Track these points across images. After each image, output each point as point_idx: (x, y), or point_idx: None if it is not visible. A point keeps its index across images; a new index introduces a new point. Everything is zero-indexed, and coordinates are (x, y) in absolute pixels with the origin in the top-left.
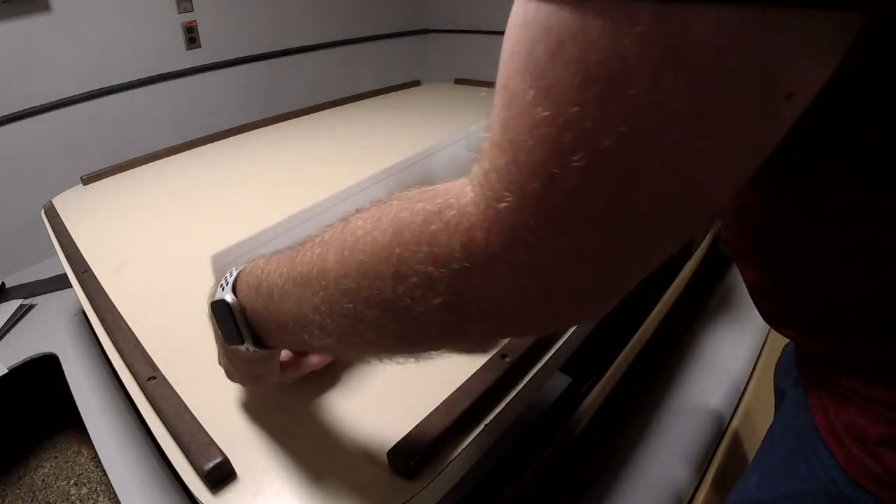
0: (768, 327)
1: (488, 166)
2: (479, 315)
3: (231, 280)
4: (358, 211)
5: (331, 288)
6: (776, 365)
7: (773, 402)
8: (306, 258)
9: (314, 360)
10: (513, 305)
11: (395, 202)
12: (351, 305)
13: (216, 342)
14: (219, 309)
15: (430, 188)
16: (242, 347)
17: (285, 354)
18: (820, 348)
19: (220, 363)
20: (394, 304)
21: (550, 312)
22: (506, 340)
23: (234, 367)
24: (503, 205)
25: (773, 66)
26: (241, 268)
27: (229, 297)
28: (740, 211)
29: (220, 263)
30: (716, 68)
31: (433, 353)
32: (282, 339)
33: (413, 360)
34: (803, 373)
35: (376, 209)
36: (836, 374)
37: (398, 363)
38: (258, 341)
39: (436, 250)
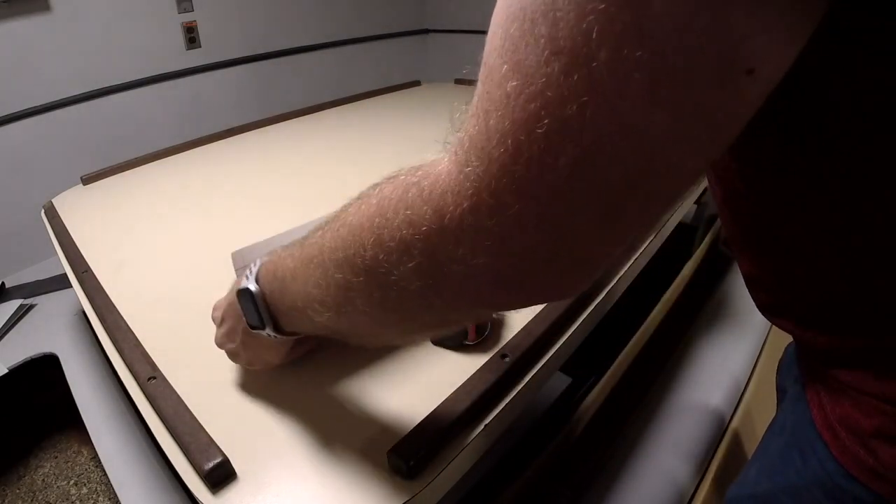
0: (768, 327)
1: (463, 135)
2: (451, 280)
3: (255, 270)
4: (358, 196)
5: (326, 262)
6: (779, 364)
7: (775, 400)
8: (312, 240)
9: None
10: (481, 270)
11: (385, 181)
12: (340, 275)
13: (225, 324)
14: (243, 296)
15: (417, 164)
16: (264, 333)
17: None
18: (815, 339)
19: (223, 346)
20: (374, 269)
21: (517, 280)
22: (486, 316)
23: (245, 349)
24: (469, 168)
25: (730, 41)
26: (264, 259)
27: (252, 286)
28: (733, 203)
29: (239, 259)
30: (674, 42)
31: (421, 327)
32: (294, 320)
33: (409, 339)
34: (801, 368)
35: (371, 188)
36: (831, 367)
37: (398, 345)
38: (277, 327)
39: (410, 214)
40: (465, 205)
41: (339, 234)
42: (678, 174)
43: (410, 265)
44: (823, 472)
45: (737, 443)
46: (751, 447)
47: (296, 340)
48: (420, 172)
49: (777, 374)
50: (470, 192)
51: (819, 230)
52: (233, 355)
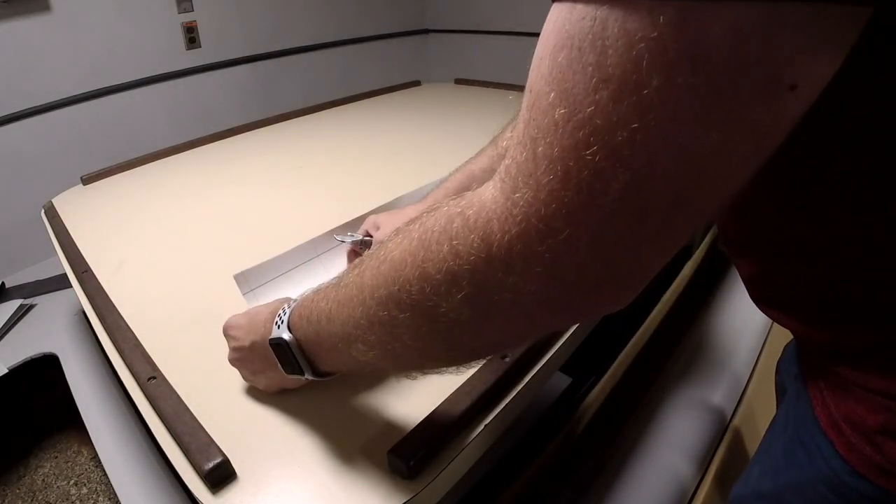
0: (768, 327)
1: (509, 162)
2: (502, 308)
3: (286, 318)
4: (396, 232)
5: (367, 300)
6: (778, 363)
7: (775, 399)
8: (349, 280)
9: None
10: (532, 296)
11: (426, 213)
12: (385, 313)
13: (241, 352)
14: (278, 347)
15: (460, 195)
16: (303, 378)
17: None
18: (819, 336)
19: (237, 368)
20: (422, 303)
21: (569, 302)
22: (536, 337)
23: (266, 378)
24: (518, 195)
25: (779, 60)
26: (293, 304)
27: (286, 335)
28: (741, 203)
29: (243, 282)
30: (726, 65)
31: (469, 354)
32: (334, 362)
33: (454, 365)
34: (803, 366)
35: (410, 224)
36: (835, 364)
37: (442, 373)
38: (315, 370)
39: (457, 245)
40: (513, 231)
41: (381, 270)
42: (724, 187)
43: (459, 296)
44: (829, 469)
45: (738, 442)
46: (752, 446)
47: None
48: (464, 202)
49: (776, 373)
50: (518, 218)
51: (829, 227)
52: (248, 379)
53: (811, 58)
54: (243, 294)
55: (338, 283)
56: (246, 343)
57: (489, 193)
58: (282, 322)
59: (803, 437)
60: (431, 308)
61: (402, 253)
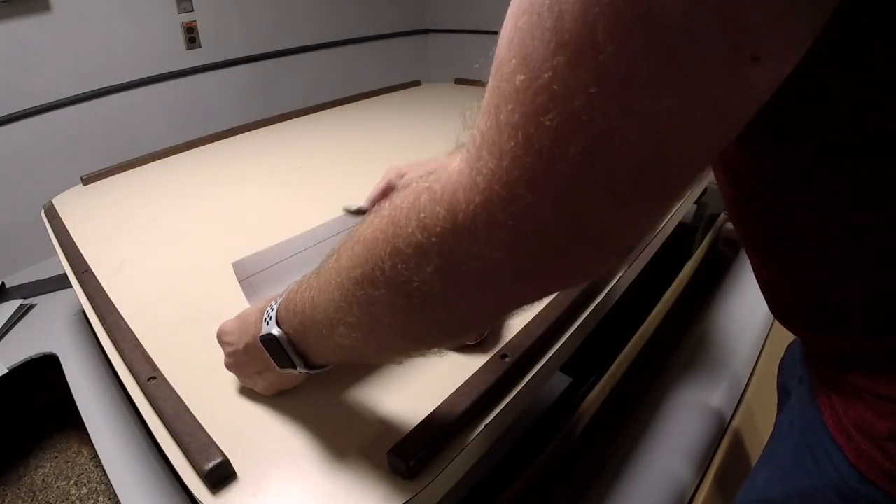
0: (769, 327)
1: (475, 132)
2: (471, 279)
3: (273, 313)
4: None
5: (345, 282)
6: (780, 364)
7: (776, 400)
8: (328, 266)
9: None
10: (499, 264)
11: (396, 192)
12: (362, 292)
13: (236, 357)
14: (268, 343)
15: (429, 171)
16: (296, 372)
17: None
18: (829, 342)
19: (237, 375)
20: (395, 279)
21: (536, 270)
22: (511, 311)
23: (262, 380)
24: (482, 163)
25: (736, 27)
26: (280, 299)
27: (275, 331)
28: (747, 204)
29: (240, 270)
30: (681, 31)
31: (447, 331)
32: (322, 351)
33: (436, 348)
34: (811, 371)
35: (381, 203)
36: (844, 371)
37: (427, 356)
38: (308, 363)
39: (424, 218)
40: (477, 200)
41: (355, 251)
42: (687, 161)
43: (430, 269)
44: (838, 475)
45: (738, 443)
46: (752, 447)
47: None
48: (432, 177)
49: (779, 373)
50: (482, 186)
51: (836, 229)
52: (246, 382)
53: (773, 27)
54: (239, 281)
55: (318, 270)
56: (240, 347)
57: (455, 166)
58: (270, 318)
59: (811, 443)
60: (404, 283)
61: (374, 231)
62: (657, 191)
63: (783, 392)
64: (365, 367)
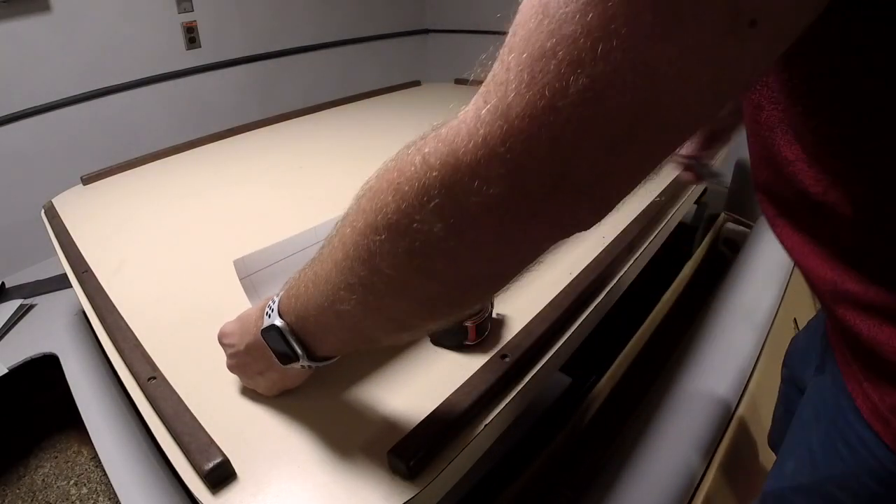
0: (769, 327)
1: (487, 79)
2: (469, 219)
3: (275, 306)
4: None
5: (348, 237)
6: (786, 356)
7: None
8: (332, 235)
9: None
10: (497, 203)
11: (403, 148)
12: (364, 241)
13: (237, 358)
14: (270, 335)
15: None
16: (298, 365)
17: None
18: (881, 297)
19: (239, 377)
20: (397, 222)
21: (532, 211)
22: (512, 271)
23: (264, 380)
24: (488, 103)
25: None
26: (280, 294)
27: (278, 321)
28: (814, 97)
29: (241, 267)
30: None
31: (446, 289)
32: (323, 331)
33: (434, 320)
34: (839, 358)
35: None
36: (879, 357)
37: (422, 330)
38: (310, 354)
39: (428, 156)
40: (479, 133)
41: (361, 205)
42: (683, 113)
43: (431, 206)
44: (874, 459)
45: (738, 443)
46: (751, 449)
47: None
48: (440, 126)
49: (784, 366)
50: (486, 120)
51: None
52: (248, 384)
53: None
54: (241, 279)
55: (321, 246)
56: (241, 347)
57: (462, 114)
58: (272, 311)
59: (842, 430)
60: (406, 225)
61: (380, 181)
62: (650, 141)
63: (789, 384)
64: (366, 354)
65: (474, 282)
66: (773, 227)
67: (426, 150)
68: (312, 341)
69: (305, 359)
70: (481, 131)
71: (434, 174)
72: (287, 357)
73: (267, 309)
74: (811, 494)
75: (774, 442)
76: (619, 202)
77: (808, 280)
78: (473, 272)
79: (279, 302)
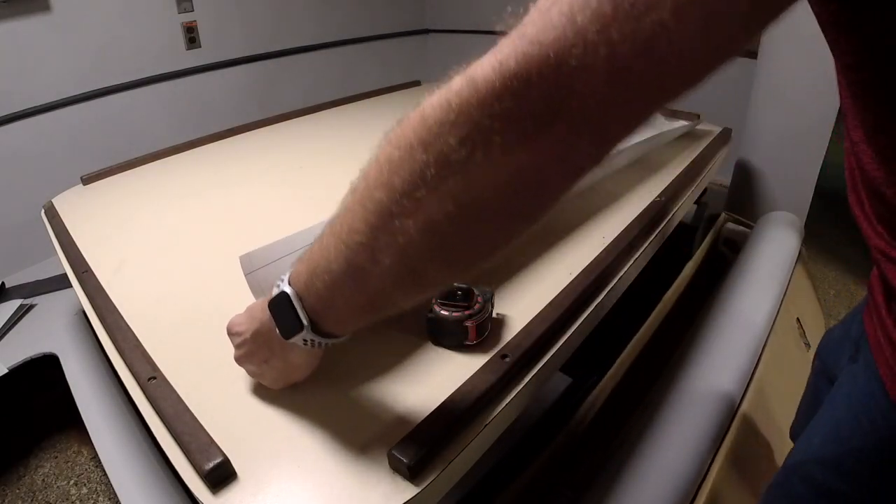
0: (769, 328)
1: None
2: (482, 130)
3: (286, 277)
4: None
5: (360, 184)
6: (818, 349)
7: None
8: (342, 203)
9: None
10: (508, 117)
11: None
12: (377, 170)
13: (246, 346)
14: (277, 303)
15: None
16: (300, 339)
17: None
18: None
19: (243, 365)
20: (416, 142)
21: (540, 130)
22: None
23: (270, 369)
24: (509, 40)
25: None
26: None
27: (287, 288)
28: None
29: (247, 263)
30: None
31: (463, 203)
32: (334, 295)
33: (454, 252)
34: (874, 344)
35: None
36: None
37: (437, 285)
38: (316, 327)
39: (451, 84)
40: (497, 58)
41: (382, 152)
42: (686, 51)
43: (448, 123)
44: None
45: (738, 443)
46: (752, 448)
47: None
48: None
49: (816, 357)
50: (506, 52)
51: None
52: (255, 375)
53: None
54: (246, 275)
55: (330, 220)
56: (248, 335)
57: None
58: (282, 282)
59: (870, 410)
60: (424, 139)
61: (403, 128)
62: (646, 78)
63: (819, 375)
64: (366, 353)
65: (486, 211)
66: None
67: (448, 87)
68: (322, 309)
69: (310, 331)
70: (499, 56)
71: (453, 96)
72: (291, 329)
73: (277, 281)
74: (828, 466)
75: (797, 435)
76: (617, 139)
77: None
78: (485, 197)
79: (290, 273)
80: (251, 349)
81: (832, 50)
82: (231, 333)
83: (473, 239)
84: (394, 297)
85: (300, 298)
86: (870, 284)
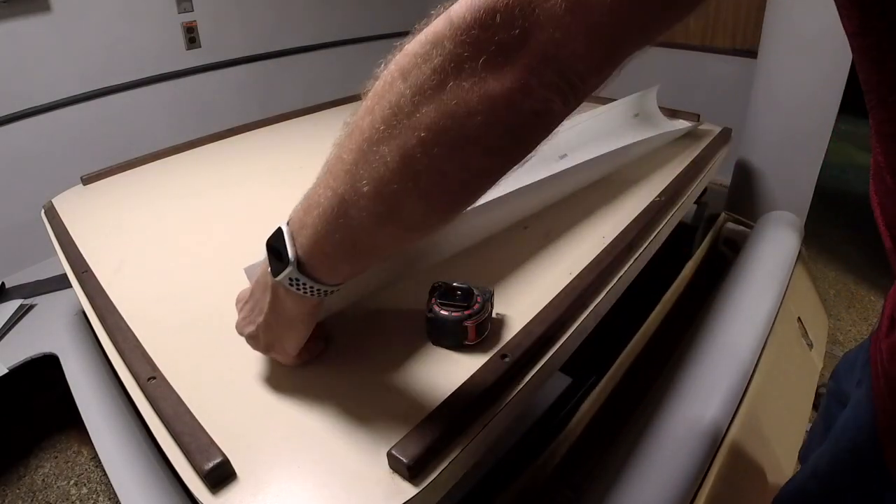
0: (770, 327)
1: None
2: (452, 57)
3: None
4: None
5: (354, 118)
6: (834, 371)
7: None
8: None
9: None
10: (476, 44)
11: None
12: (371, 99)
13: (249, 303)
14: (273, 240)
15: None
16: (286, 278)
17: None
18: None
19: (242, 329)
20: (400, 71)
21: (506, 59)
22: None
23: (265, 331)
24: None
25: None
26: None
27: (284, 226)
28: None
29: (252, 275)
30: None
31: (437, 132)
32: (319, 232)
33: (434, 188)
34: (874, 374)
35: None
36: None
37: (419, 204)
38: (305, 269)
39: (431, 26)
40: None
41: (372, 87)
42: None
43: (423, 53)
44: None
45: (739, 442)
46: (752, 448)
47: (309, 342)
48: None
49: (830, 379)
50: None
51: None
52: (252, 339)
53: None
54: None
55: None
56: (248, 293)
57: None
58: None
59: (861, 439)
60: (406, 68)
61: (392, 56)
62: (611, 9)
63: (833, 398)
64: (366, 352)
65: (458, 140)
66: None
67: (433, 22)
68: (311, 247)
69: (295, 269)
70: None
71: (431, 31)
72: (280, 266)
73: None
74: (827, 495)
75: (805, 458)
76: (584, 74)
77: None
78: (456, 126)
79: (290, 214)
80: (250, 306)
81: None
82: (238, 301)
83: (446, 171)
84: (375, 237)
85: (293, 236)
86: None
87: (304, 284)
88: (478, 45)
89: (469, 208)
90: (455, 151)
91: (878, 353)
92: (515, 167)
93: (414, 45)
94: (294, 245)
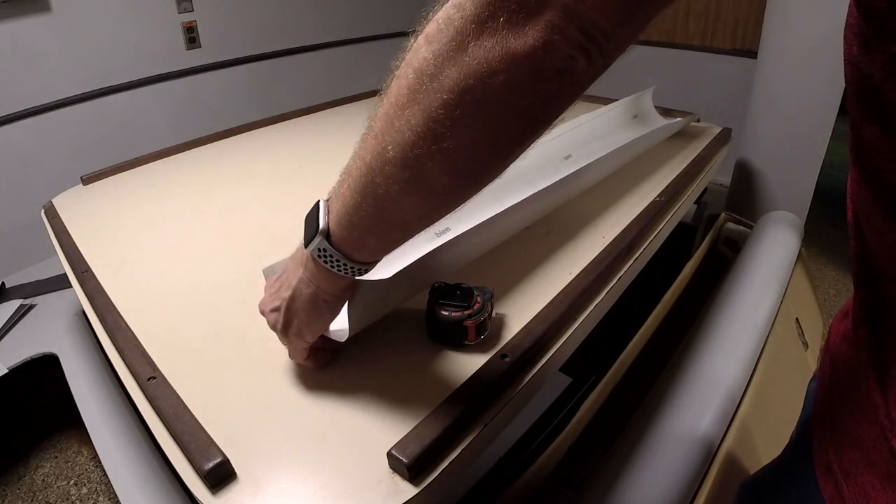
0: (769, 328)
1: None
2: (484, 25)
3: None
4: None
5: (382, 102)
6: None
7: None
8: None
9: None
10: (508, 11)
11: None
12: (404, 65)
13: (279, 280)
14: (311, 211)
15: None
16: (315, 248)
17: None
18: None
19: (265, 308)
20: (429, 35)
21: (528, 19)
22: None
23: (288, 311)
24: None
25: None
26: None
27: (322, 200)
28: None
29: (271, 274)
30: None
31: (460, 92)
32: (352, 203)
33: (455, 154)
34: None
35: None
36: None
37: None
38: (335, 243)
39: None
40: None
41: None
42: None
43: (450, 27)
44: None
45: (739, 441)
46: (754, 447)
47: (323, 344)
48: None
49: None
50: None
51: None
52: (274, 314)
53: None
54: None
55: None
56: (275, 278)
57: None
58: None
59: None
60: (428, 37)
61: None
62: None
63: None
64: (366, 352)
65: (482, 102)
66: None
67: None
68: (345, 220)
69: (324, 238)
70: None
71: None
72: (312, 235)
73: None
74: (775, 482)
75: None
76: (608, 31)
77: None
78: (479, 87)
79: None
80: (280, 283)
81: None
82: (266, 290)
83: (469, 134)
84: (401, 205)
85: (328, 208)
86: None
87: (331, 257)
88: (498, 3)
89: (485, 218)
90: (479, 112)
91: (830, 336)
92: (540, 134)
93: (440, 13)
94: (328, 216)
